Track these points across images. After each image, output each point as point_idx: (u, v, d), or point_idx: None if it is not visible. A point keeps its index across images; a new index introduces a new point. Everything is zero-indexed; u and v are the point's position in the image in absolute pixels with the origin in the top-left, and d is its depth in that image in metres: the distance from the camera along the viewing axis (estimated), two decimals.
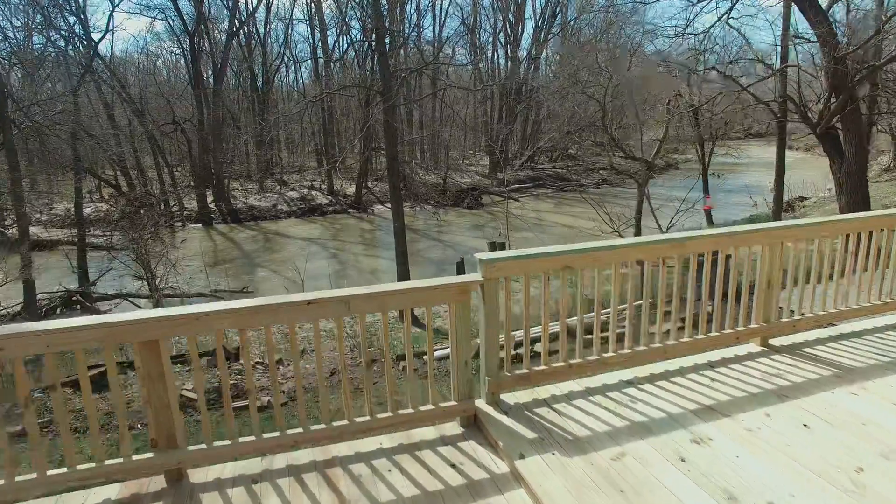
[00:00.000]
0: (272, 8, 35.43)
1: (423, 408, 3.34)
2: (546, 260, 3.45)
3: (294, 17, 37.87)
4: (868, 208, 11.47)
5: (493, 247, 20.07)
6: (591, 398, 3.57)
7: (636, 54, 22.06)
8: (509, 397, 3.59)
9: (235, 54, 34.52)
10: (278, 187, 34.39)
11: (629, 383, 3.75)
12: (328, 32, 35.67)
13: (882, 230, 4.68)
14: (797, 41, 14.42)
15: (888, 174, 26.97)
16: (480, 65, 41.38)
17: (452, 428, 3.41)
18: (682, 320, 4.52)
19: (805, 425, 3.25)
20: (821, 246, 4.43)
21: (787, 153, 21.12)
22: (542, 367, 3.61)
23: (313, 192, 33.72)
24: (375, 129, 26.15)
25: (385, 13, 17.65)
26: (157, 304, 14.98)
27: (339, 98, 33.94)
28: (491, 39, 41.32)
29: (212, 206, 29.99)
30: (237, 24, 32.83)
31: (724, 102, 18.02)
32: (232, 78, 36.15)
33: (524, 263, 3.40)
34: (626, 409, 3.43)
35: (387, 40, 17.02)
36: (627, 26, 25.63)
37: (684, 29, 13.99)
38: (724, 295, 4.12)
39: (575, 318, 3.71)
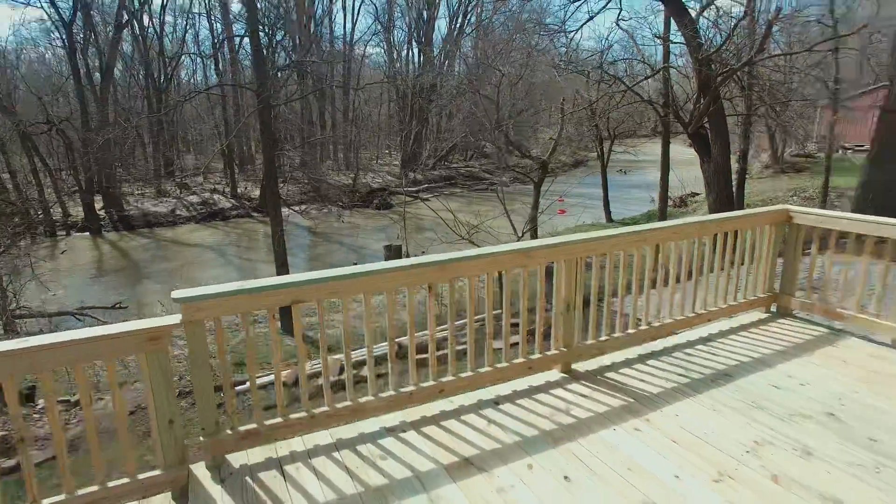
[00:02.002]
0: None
1: (114, 483, 2.67)
2: (266, 295, 2.87)
3: (193, 9, 35.42)
4: (732, 207, 11.75)
5: (389, 250, 19.51)
6: (335, 454, 3.03)
7: (536, 54, 22.09)
8: (240, 457, 2.99)
9: (131, 49, 32.15)
10: (178, 191, 32.33)
11: (391, 431, 3.23)
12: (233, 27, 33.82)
13: (693, 240, 4.45)
14: (669, 43, 14.67)
15: (768, 171, 28.48)
16: (397, 64, 40.77)
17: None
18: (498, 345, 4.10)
19: (566, 478, 2.84)
20: (638, 259, 4.13)
21: (686, 150, 21.81)
22: (277, 421, 3.03)
23: (216, 196, 31.93)
24: (278, 128, 24.97)
25: (261, 7, 16.62)
26: (5, 328, 13.36)
27: (244, 96, 32.38)
28: (406, 38, 40.78)
29: (101, 212, 27.74)
30: (125, 16, 30.47)
31: (621, 101, 18.26)
32: (126, 75, 33.67)
33: (238, 300, 2.81)
34: (370, 470, 2.91)
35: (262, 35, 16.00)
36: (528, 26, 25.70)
37: (561, 25, 13.90)
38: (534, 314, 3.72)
39: (339, 355, 3.17)
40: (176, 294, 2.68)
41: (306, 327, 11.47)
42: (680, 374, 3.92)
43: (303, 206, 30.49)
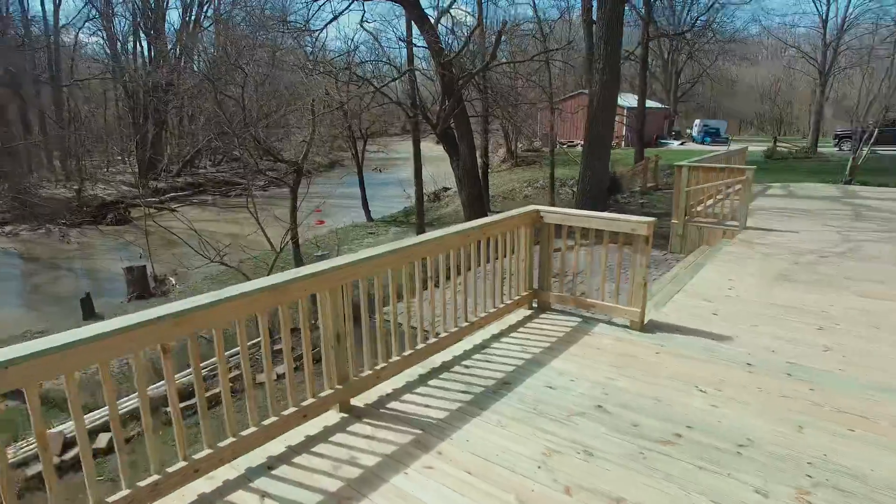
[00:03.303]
0: None
1: None
2: None
3: None
4: (483, 203, 12.64)
5: (132, 273, 16.91)
6: None
7: (280, 53, 21.04)
8: None
9: None
10: None
11: None
12: None
13: (459, 249, 4.38)
14: (413, 46, 15.25)
15: (506, 165, 31.80)
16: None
17: None
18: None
19: None
20: (406, 275, 3.86)
21: (435, 147, 22.93)
22: None
23: None
24: None
25: None
26: None
27: None
28: (131, 27, 35.56)
29: None
30: None
31: (372, 102, 18.33)
32: None
33: None
34: None
35: None
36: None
37: (305, 24, 13.37)
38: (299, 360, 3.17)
39: None
40: None
41: None
42: (463, 391, 3.80)
43: (6, 228, 24.72)
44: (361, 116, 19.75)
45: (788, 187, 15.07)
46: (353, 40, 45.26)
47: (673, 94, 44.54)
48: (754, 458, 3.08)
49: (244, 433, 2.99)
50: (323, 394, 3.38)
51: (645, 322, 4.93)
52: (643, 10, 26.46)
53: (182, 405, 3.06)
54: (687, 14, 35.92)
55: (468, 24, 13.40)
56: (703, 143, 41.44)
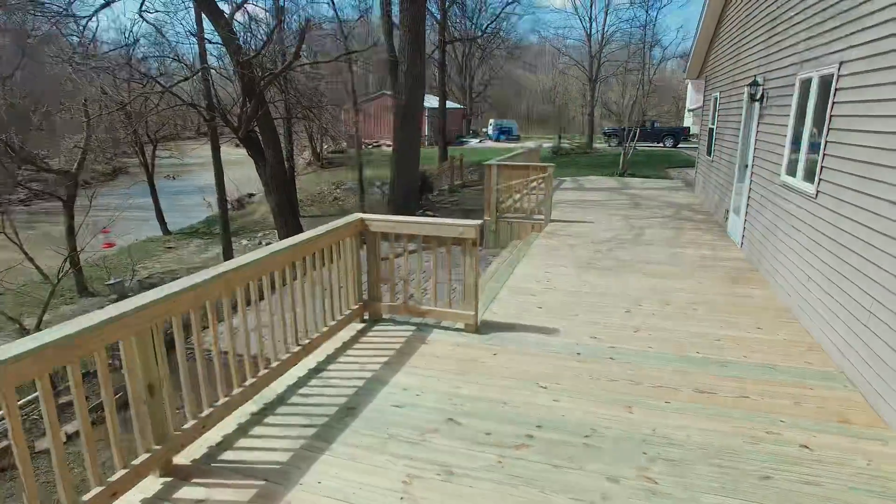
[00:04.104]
0: None
1: None
2: None
3: None
4: (295, 209, 12.04)
5: None
6: None
7: (34, 41, 17.76)
8: None
9: None
10: None
11: None
12: None
13: (284, 268, 3.98)
14: (206, 42, 13.91)
15: (312, 167, 30.97)
16: None
17: None
18: None
19: None
20: (227, 304, 3.37)
21: (234, 150, 21.19)
22: None
23: None
24: None
25: None
26: None
27: None
28: None
29: None
30: None
31: (160, 103, 16.29)
32: None
33: None
34: None
35: None
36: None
37: (67, 7, 11.41)
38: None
39: None
40: None
41: None
42: (305, 425, 3.45)
43: None
44: (149, 119, 17.57)
45: (578, 181, 16.86)
46: (132, 31, 40.42)
47: (468, 96, 47.39)
48: (600, 447, 3.24)
49: None
50: (137, 461, 2.79)
51: (479, 324, 5.01)
52: (439, 15, 27.57)
53: None
54: (477, 21, 38.41)
55: (265, 21, 12.58)
56: (498, 140, 44.78)
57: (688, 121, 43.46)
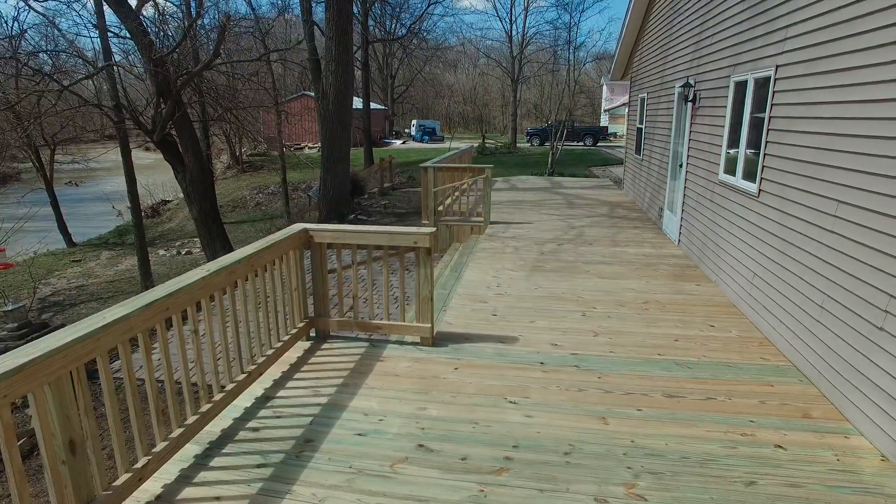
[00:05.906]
0: None
1: None
2: None
3: None
4: (219, 217, 11.30)
5: None
6: None
7: None
8: None
9: None
10: None
11: None
12: None
13: (218, 293, 3.56)
14: (109, 36, 12.77)
15: (231, 171, 29.57)
16: None
17: None
18: None
19: None
20: (162, 334, 2.93)
21: (145, 154, 19.72)
22: None
23: None
24: None
25: None
26: None
27: None
28: None
29: None
30: None
31: (58, 103, 14.81)
32: None
33: None
34: None
35: None
36: None
37: None
38: None
39: None
40: None
41: None
42: (258, 465, 3.06)
43: None
44: (44, 121, 16.00)
45: (510, 181, 16.93)
46: (17, 21, 37.07)
47: (390, 96, 46.95)
48: (581, 464, 3.07)
49: None
50: None
51: (435, 335, 4.75)
52: (360, 14, 27.03)
53: None
54: (397, 22, 38.06)
55: (175, 15, 11.71)
56: (422, 141, 44.65)
57: (604, 120, 45.26)
